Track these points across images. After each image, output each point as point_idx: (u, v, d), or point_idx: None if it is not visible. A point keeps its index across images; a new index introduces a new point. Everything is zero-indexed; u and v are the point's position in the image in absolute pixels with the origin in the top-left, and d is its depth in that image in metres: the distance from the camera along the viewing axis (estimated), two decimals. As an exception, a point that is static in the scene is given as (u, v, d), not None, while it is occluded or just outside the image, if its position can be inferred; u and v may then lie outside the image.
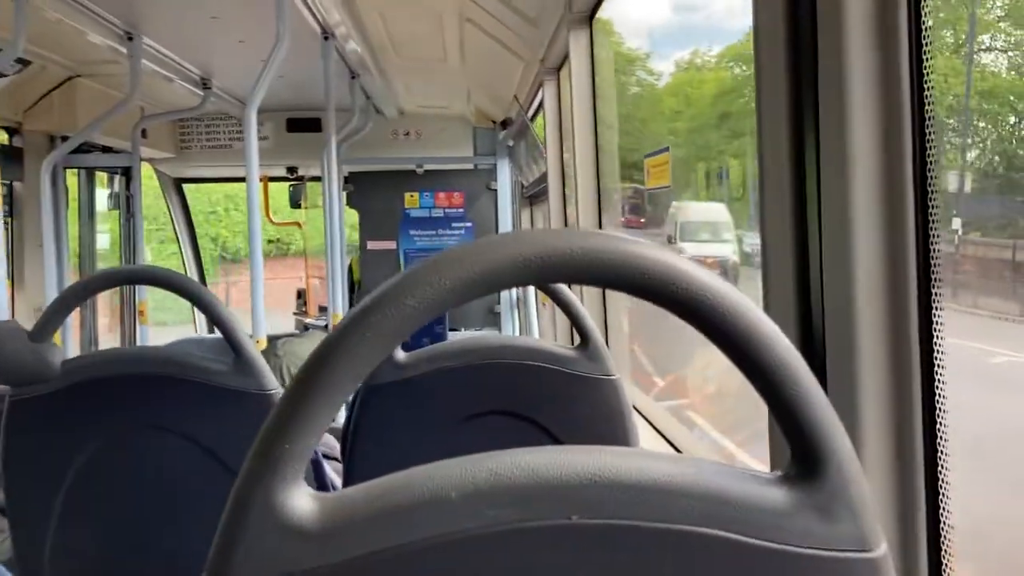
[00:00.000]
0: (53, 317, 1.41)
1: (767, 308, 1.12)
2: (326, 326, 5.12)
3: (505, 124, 5.16)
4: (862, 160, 0.98)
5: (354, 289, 5.89)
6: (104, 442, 1.44)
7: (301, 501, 0.52)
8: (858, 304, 0.98)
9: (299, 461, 0.52)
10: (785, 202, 1.06)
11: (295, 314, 6.30)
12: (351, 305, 4.97)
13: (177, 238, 6.20)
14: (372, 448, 1.54)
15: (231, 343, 1.46)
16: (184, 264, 6.24)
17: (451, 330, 6.14)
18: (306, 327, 5.96)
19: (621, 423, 1.52)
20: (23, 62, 3.78)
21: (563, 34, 2.69)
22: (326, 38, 3.52)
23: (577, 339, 1.56)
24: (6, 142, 4.28)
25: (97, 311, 5.29)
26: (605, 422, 1.52)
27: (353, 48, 3.75)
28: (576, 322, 1.54)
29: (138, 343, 5.02)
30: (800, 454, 0.53)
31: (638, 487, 0.52)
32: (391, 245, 5.93)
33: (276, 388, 1.49)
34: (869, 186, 0.98)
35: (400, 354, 1.56)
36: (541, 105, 3.96)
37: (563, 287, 1.59)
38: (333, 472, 1.93)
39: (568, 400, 1.51)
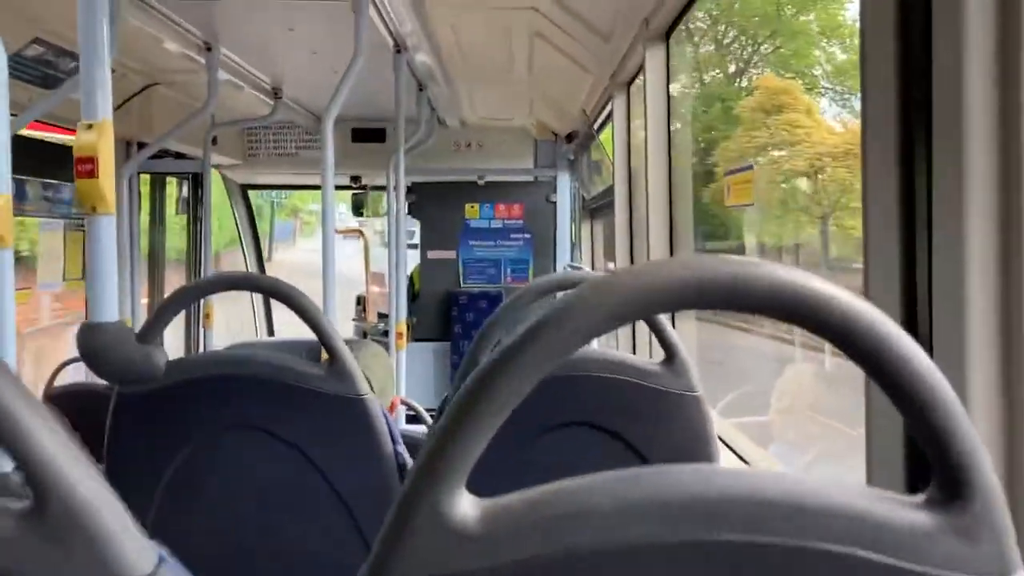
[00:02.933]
0: (161, 319, 1.47)
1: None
2: (386, 332, 5.19)
3: (570, 137, 5.19)
4: (978, 159, 0.93)
5: (414, 298, 5.96)
6: (203, 440, 1.49)
7: (464, 505, 0.55)
8: (969, 315, 0.95)
9: (465, 467, 0.55)
10: (891, 205, 1.03)
11: (354, 320, 6.40)
12: (410, 314, 5.03)
13: (241, 240, 6.34)
14: None
15: (328, 349, 1.50)
16: (246, 264, 6.38)
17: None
18: (365, 333, 6.04)
19: (705, 440, 1.52)
20: (105, 70, 3.91)
21: (638, 50, 2.71)
22: (398, 51, 3.58)
23: (659, 353, 1.57)
24: (86, 147, 4.41)
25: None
26: (689, 439, 1.52)
27: (422, 59, 3.81)
28: (661, 336, 1.55)
29: (203, 346, 5.14)
30: (945, 479, 0.54)
31: (786, 505, 0.54)
32: (451, 255, 6.00)
33: (368, 392, 1.53)
34: (985, 186, 0.93)
35: None
36: (608, 119, 3.98)
37: None
38: None
39: (652, 415, 1.52)
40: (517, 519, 0.54)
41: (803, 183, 4.94)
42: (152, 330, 1.45)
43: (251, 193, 6.41)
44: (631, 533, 0.53)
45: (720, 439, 2.32)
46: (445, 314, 5.98)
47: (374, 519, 1.54)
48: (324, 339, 1.51)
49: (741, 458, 2.14)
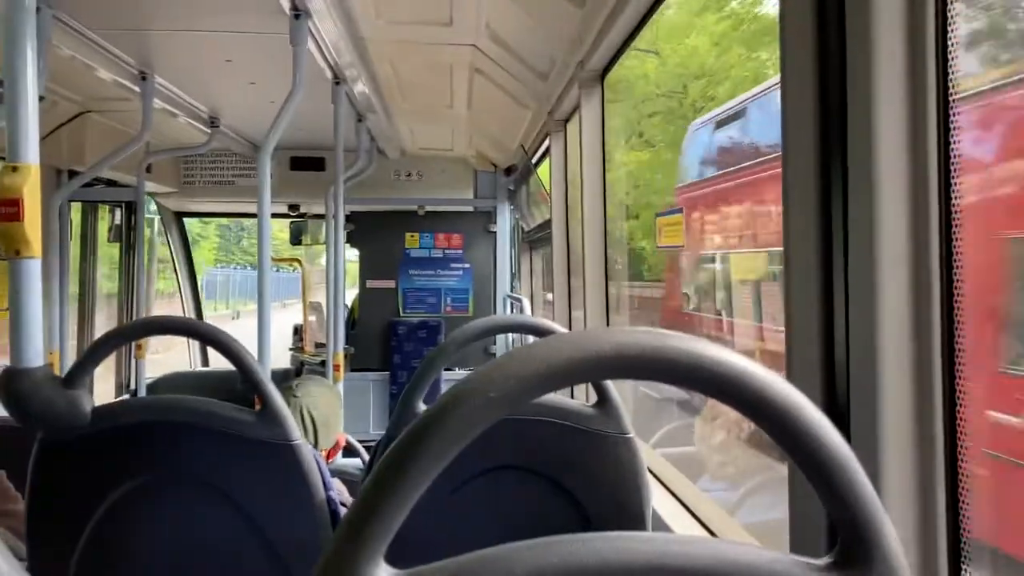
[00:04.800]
0: (87, 364, 1.44)
1: (789, 342, 1.12)
2: (323, 362, 5.14)
3: (509, 171, 5.23)
4: (889, 177, 0.97)
5: (352, 326, 5.91)
6: (130, 488, 1.46)
7: None
8: (882, 344, 0.98)
9: (385, 539, 0.55)
10: (810, 231, 1.06)
11: (291, 349, 6.32)
12: (347, 342, 4.99)
13: (175, 269, 6.23)
14: None
15: (259, 393, 1.49)
16: (181, 294, 6.26)
17: (446, 369, 6.17)
18: (302, 363, 5.97)
19: (636, 482, 1.54)
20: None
21: (573, 90, 2.76)
22: (337, 83, 3.58)
23: (592, 397, 1.59)
24: (14, 174, 4.31)
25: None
26: (621, 481, 1.54)
27: (361, 90, 3.81)
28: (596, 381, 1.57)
29: (134, 376, 5.03)
30: (848, 542, 0.57)
31: (696, 570, 0.56)
32: (391, 284, 5.97)
33: (299, 439, 1.51)
34: (896, 206, 0.98)
35: (420, 406, 1.59)
36: (545, 153, 4.02)
37: None
38: None
39: (585, 458, 1.54)
40: None
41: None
42: (79, 375, 1.42)
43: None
44: None
45: (651, 472, 2.36)
46: (384, 344, 5.94)
47: (305, 568, 1.52)
48: (256, 386, 1.50)
49: (673, 494, 2.17)
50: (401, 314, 6.00)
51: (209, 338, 1.49)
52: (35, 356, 1.37)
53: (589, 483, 1.54)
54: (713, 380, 0.56)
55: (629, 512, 1.53)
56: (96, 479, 1.45)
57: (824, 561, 0.58)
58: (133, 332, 1.56)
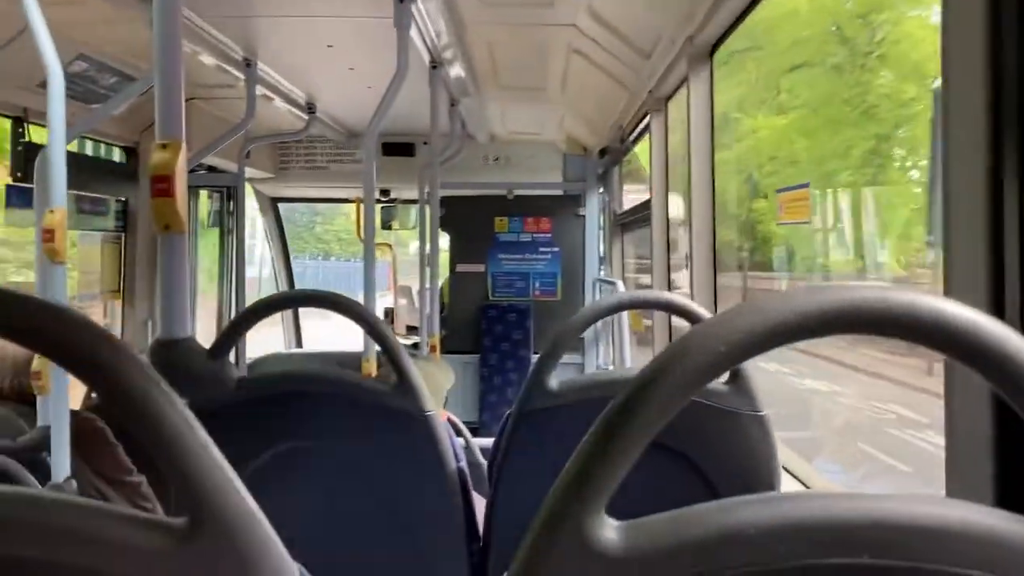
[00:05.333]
0: (230, 337, 1.49)
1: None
2: (415, 345, 5.20)
3: (603, 152, 5.19)
4: None
5: (442, 310, 5.97)
6: (271, 456, 1.51)
7: (606, 528, 0.56)
8: None
9: (608, 490, 0.55)
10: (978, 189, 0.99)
11: (383, 332, 6.42)
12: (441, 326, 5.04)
13: (272, 254, 6.39)
14: (521, 472, 1.57)
15: (396, 366, 1.52)
16: (276, 279, 6.41)
17: (534, 353, 6.20)
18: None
19: (768, 461, 1.52)
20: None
21: (679, 66, 2.72)
22: (434, 67, 3.60)
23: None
24: (124, 161, 4.47)
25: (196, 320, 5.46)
26: (752, 459, 1.52)
27: (457, 74, 3.83)
28: None
29: (235, 355, 5.18)
30: None
31: (925, 530, 0.54)
32: (480, 268, 6.02)
33: (434, 410, 1.54)
34: None
35: (553, 382, 1.60)
36: (642, 134, 3.98)
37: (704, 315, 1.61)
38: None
39: (717, 435, 1.52)
40: (657, 542, 0.55)
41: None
42: (223, 346, 1.47)
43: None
44: (777, 556, 0.54)
45: None
46: (474, 327, 5.99)
47: (435, 535, 1.55)
48: (392, 357, 1.52)
49: (797, 478, 2.13)
50: (491, 298, 6.04)
51: (352, 311, 1.53)
52: (182, 328, 1.42)
53: (720, 459, 1.52)
54: (951, 336, 0.54)
55: (760, 491, 1.51)
56: (239, 447, 1.49)
57: None
58: (277, 304, 1.60)
